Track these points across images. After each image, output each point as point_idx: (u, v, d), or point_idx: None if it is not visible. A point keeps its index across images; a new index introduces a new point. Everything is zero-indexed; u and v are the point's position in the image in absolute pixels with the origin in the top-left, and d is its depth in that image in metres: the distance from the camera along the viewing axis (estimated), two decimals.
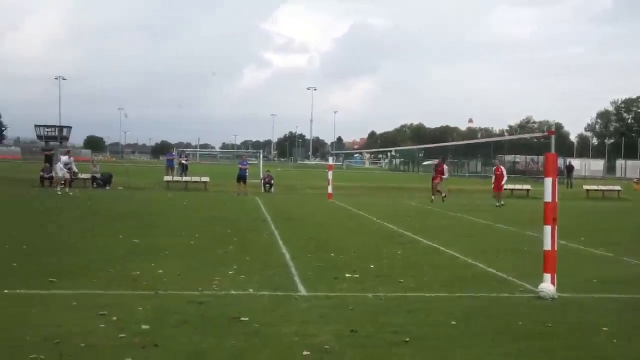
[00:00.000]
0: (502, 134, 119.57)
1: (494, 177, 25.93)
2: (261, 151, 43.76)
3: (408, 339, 5.88)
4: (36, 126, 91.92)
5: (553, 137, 8.79)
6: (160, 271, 8.91)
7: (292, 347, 5.56)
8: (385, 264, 10.29)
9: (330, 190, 27.13)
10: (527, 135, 47.39)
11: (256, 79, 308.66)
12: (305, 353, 5.39)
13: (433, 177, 26.04)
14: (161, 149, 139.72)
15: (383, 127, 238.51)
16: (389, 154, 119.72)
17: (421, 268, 9.98)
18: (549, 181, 8.34)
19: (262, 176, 32.68)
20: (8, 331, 5.75)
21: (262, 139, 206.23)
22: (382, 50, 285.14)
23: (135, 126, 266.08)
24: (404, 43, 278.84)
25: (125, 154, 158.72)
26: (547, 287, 7.88)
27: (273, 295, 7.68)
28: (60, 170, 25.89)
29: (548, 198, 8.28)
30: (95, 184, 29.72)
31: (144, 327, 6.03)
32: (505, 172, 26.00)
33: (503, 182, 25.41)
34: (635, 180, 46.61)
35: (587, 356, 5.62)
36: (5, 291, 7.31)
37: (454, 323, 6.54)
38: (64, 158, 27.05)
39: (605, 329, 6.47)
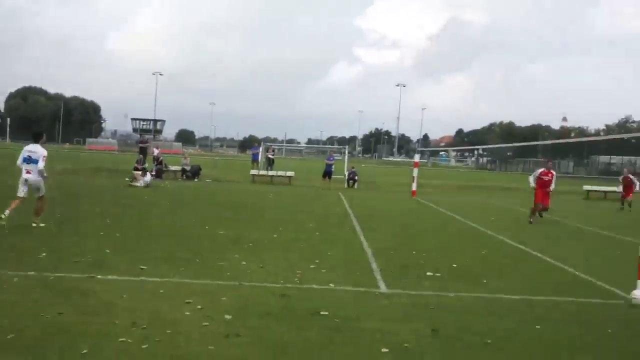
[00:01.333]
0: (597, 133, 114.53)
1: (622, 186, 24.90)
2: (347, 147, 43.78)
3: (489, 341, 5.77)
4: (132, 119, 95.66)
5: None
6: (244, 263, 9.11)
7: (372, 344, 5.57)
8: (469, 263, 10.11)
9: (414, 187, 26.88)
10: (626, 135, 45.23)
11: (345, 75, 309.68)
12: (384, 350, 5.39)
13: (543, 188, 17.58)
14: (248, 143, 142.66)
15: (472, 125, 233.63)
16: (476, 152, 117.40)
17: (506, 269, 9.76)
18: None
19: (346, 172, 32.76)
20: (99, 315, 6.03)
21: (347, 135, 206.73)
22: (476, 46, 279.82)
23: (224, 120, 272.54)
24: (497, 39, 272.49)
25: (213, 147, 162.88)
26: None
27: (353, 291, 7.70)
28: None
29: None
30: (184, 176, 30.67)
31: (227, 316, 6.19)
32: (636, 181, 24.83)
33: (636, 189, 24.50)
34: None
35: None
36: (99, 277, 7.67)
37: (538, 327, 6.36)
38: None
39: None
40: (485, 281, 8.62)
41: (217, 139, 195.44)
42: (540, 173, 17.42)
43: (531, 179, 17.61)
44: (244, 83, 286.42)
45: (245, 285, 7.67)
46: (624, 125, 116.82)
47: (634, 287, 7.69)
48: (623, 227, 16.34)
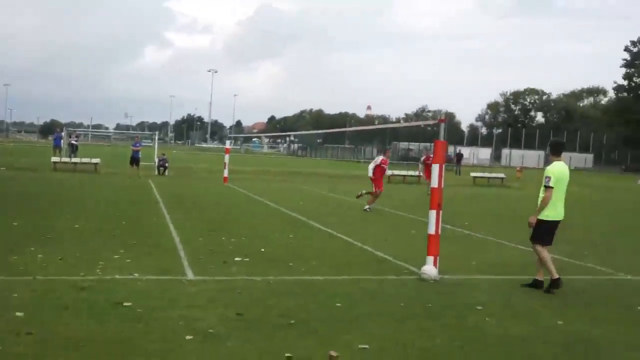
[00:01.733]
0: (398, 121, 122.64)
1: (423, 166, 26.19)
2: (156, 133, 42.54)
3: (293, 321, 5.94)
4: None
5: (442, 124, 9.10)
6: (41, 255, 8.51)
7: (176, 332, 5.49)
8: (277, 247, 10.34)
9: (226, 173, 26.87)
10: (419, 123, 49.03)
11: (156, 59, 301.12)
12: (188, 337, 5.33)
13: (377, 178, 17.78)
14: (50, 129, 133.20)
15: (283, 111, 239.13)
16: (287, 139, 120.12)
17: (312, 251, 10.10)
18: (436, 167, 8.64)
19: (156, 158, 31.86)
20: None
21: (158, 121, 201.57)
22: (285, 34, 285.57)
23: (24, 104, 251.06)
24: (307, 28, 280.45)
25: (10, 132, 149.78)
26: (429, 269, 8.20)
27: (159, 280, 7.54)
28: None
29: (434, 183, 8.59)
30: None
31: (19, 314, 5.75)
32: None
33: None
34: (518, 168, 49.23)
35: (461, 334, 5.90)
36: None
37: (339, 305, 6.68)
38: None
39: (479, 307, 6.83)
40: (291, 264, 8.87)
41: (15, 124, 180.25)
42: (381, 161, 17.93)
43: (371, 168, 17.89)
44: (44, 63, 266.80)
45: (40, 279, 7.19)
46: (421, 114, 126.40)
47: (424, 263, 8.35)
48: (418, 208, 17.62)
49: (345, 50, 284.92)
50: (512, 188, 33.57)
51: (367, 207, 17.32)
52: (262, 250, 9.89)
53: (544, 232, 7.99)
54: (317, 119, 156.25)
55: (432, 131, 76.92)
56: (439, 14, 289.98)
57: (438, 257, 8.35)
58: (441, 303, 7.04)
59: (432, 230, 8.40)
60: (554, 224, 8.03)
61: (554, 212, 7.96)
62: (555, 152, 8.31)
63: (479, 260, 9.94)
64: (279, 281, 7.77)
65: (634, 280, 9.12)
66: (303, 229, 13.08)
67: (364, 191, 18.12)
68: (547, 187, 7.90)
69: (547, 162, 8.28)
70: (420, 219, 14.72)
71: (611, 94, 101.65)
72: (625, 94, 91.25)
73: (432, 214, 8.45)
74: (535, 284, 8.03)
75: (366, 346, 5.33)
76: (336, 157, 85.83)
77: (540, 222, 7.97)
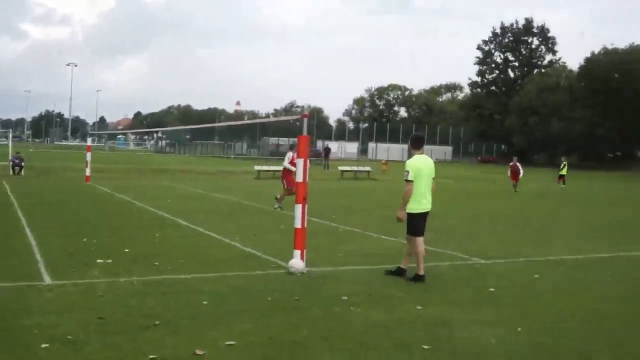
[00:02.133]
0: (267, 116, 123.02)
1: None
2: (11, 130, 39.91)
3: (158, 322, 5.80)
4: None
5: (306, 119, 9.24)
6: None
7: (30, 341, 5.18)
8: (142, 247, 10.06)
9: (88, 172, 25.72)
10: (286, 118, 49.60)
11: (10, 51, 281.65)
12: (43, 345, 5.05)
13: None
14: None
15: (150, 107, 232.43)
16: (155, 135, 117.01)
17: (178, 250, 9.90)
18: (300, 162, 8.75)
19: (10, 157, 29.88)
20: None
21: (13, 117, 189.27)
22: (150, 27, 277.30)
23: None
24: (173, 21, 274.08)
25: None
26: (296, 262, 8.30)
27: (12, 286, 7.09)
28: None
29: (299, 178, 8.69)
30: None
31: None
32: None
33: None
34: (384, 161, 50.98)
35: (328, 325, 6.02)
36: None
37: (205, 303, 6.60)
38: None
39: (345, 298, 7.01)
40: (157, 263, 8.65)
41: None
42: (292, 157, 17.42)
43: (288, 164, 17.22)
44: None
45: None
46: (289, 109, 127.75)
47: (292, 257, 8.43)
48: (288, 203, 17.78)
49: (213, 44, 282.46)
50: (378, 181, 34.76)
51: (277, 205, 17.01)
52: (126, 250, 9.57)
53: (413, 224, 8.23)
54: (185, 114, 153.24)
55: (300, 126, 78.15)
56: (304, 10, 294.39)
57: (305, 251, 8.47)
58: (308, 295, 7.14)
59: (298, 224, 8.50)
60: (420, 216, 8.24)
61: (417, 204, 8.19)
62: (415, 145, 8.57)
63: (345, 252, 10.20)
64: (143, 281, 7.56)
65: (486, 264, 9.74)
66: (170, 227, 12.78)
67: (278, 196, 17.30)
68: (407, 181, 8.17)
69: (410, 155, 8.56)
70: (290, 214, 14.85)
71: (467, 89, 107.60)
72: (478, 90, 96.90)
73: (298, 208, 8.56)
74: (399, 272, 8.33)
75: (233, 342, 5.31)
76: (205, 153, 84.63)
77: (408, 216, 8.21)
